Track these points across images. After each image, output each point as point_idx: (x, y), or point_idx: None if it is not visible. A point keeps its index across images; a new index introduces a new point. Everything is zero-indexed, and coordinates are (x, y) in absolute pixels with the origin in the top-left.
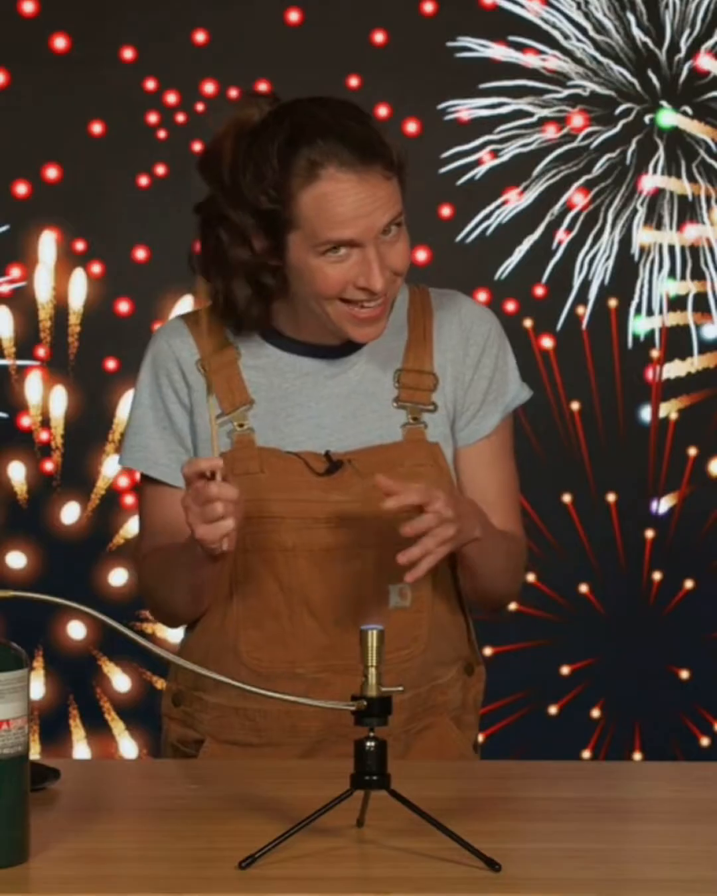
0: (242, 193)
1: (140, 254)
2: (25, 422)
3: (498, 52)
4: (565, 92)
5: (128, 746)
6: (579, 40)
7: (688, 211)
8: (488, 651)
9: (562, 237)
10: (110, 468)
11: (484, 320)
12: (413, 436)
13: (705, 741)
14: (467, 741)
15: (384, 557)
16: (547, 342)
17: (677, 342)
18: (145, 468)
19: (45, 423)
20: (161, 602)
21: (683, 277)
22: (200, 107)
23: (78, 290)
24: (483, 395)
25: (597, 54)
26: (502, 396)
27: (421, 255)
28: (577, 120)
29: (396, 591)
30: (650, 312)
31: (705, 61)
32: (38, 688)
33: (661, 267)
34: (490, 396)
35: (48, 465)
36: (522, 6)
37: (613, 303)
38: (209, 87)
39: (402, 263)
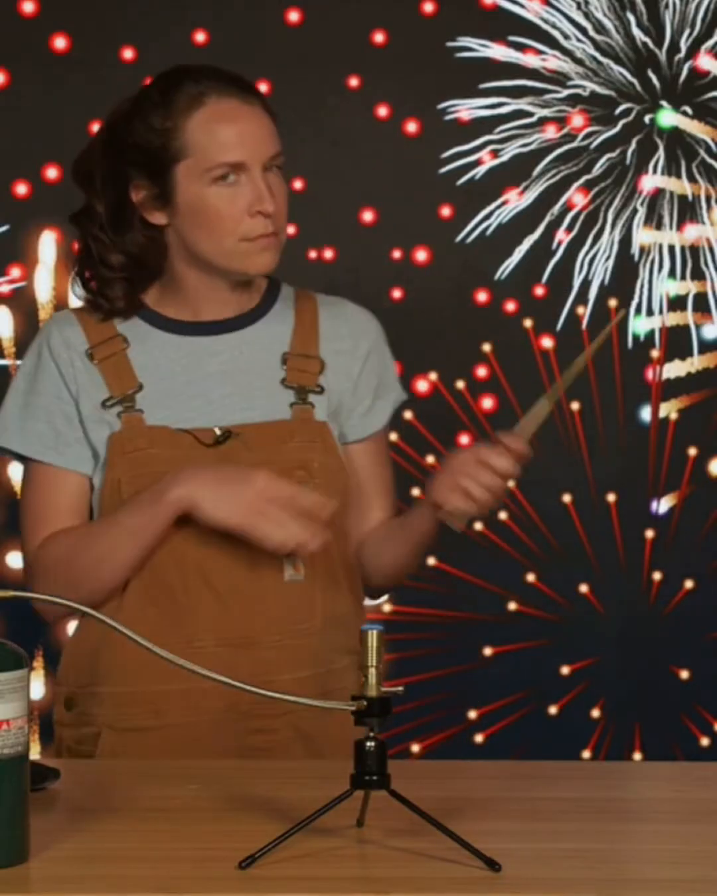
0: (124, 148)
1: None
2: None
3: (498, 52)
4: (565, 92)
5: None
6: (579, 40)
7: (688, 211)
8: (488, 651)
9: (562, 237)
10: None
11: (370, 320)
12: (301, 414)
13: (705, 741)
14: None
15: None
16: (547, 342)
17: (677, 342)
18: (39, 455)
19: None
20: (79, 577)
21: (683, 277)
22: None
23: (78, 290)
24: (375, 391)
25: (597, 54)
26: (389, 393)
27: (421, 255)
28: (577, 120)
29: (289, 564)
30: (650, 312)
31: (705, 61)
32: (38, 688)
33: (661, 267)
34: (380, 392)
35: None
36: (522, 6)
37: (613, 303)
38: None
39: (284, 203)
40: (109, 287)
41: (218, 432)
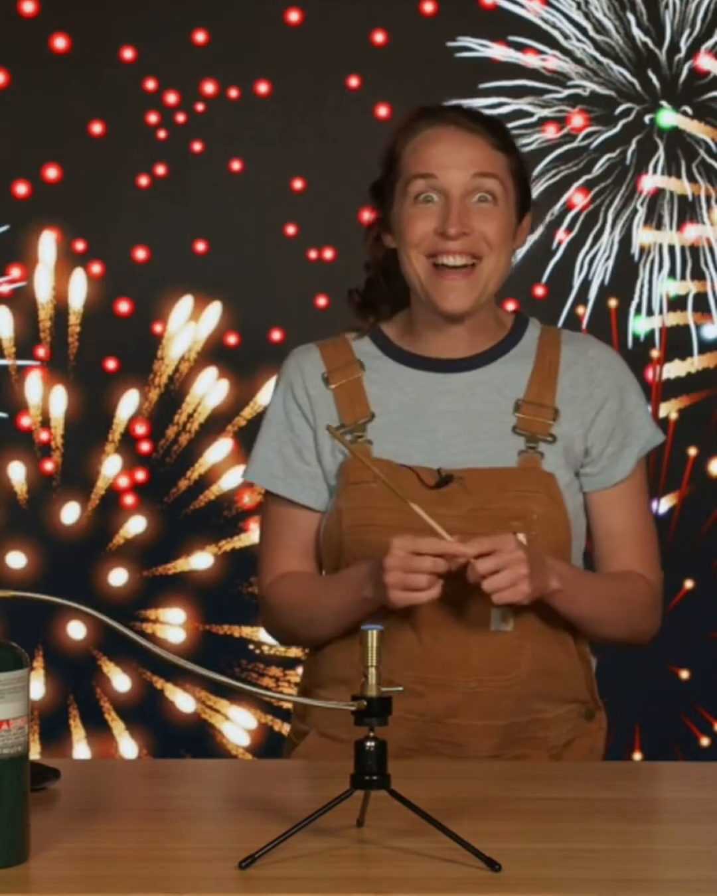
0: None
1: (140, 254)
2: (25, 422)
3: (498, 52)
4: (565, 92)
5: (128, 746)
6: (579, 40)
7: (688, 211)
8: None
9: (562, 237)
10: (110, 468)
11: (612, 363)
12: (529, 463)
13: (705, 741)
14: None
15: None
16: None
17: (677, 342)
18: (263, 483)
19: (45, 423)
20: (297, 625)
21: (683, 277)
22: (200, 107)
23: (78, 290)
24: (609, 437)
25: (597, 54)
26: (634, 440)
27: None
28: (577, 120)
29: (498, 614)
30: (650, 312)
31: (705, 61)
32: (38, 688)
33: (661, 267)
34: (621, 439)
35: (48, 465)
36: (522, 6)
37: (613, 303)
38: (209, 87)
39: (492, 232)
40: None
41: (440, 474)
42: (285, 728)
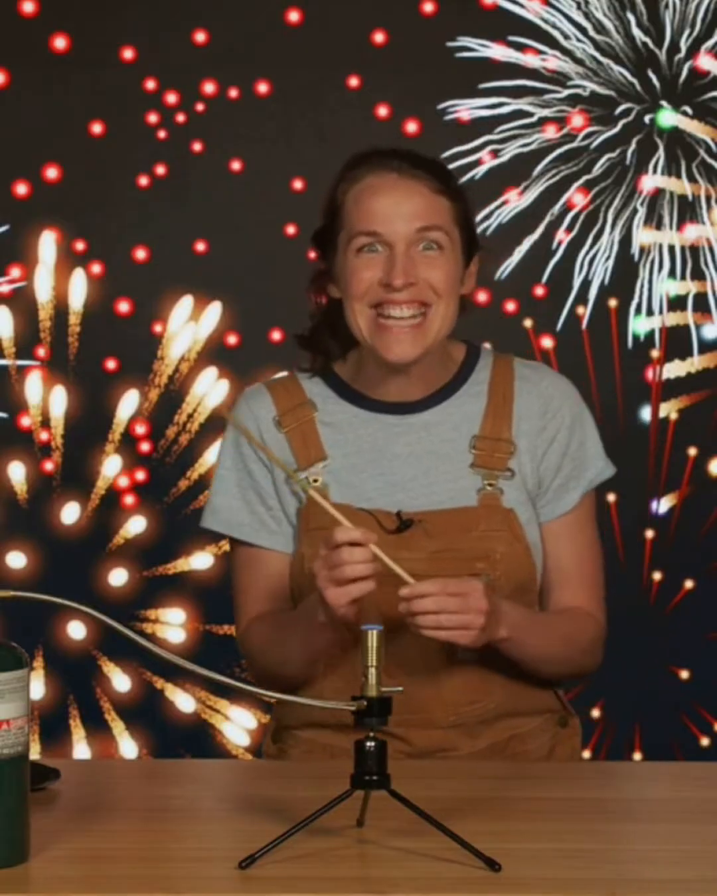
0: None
1: (140, 254)
2: (25, 422)
3: (498, 52)
4: (565, 92)
5: (128, 746)
6: (579, 40)
7: (688, 211)
8: None
9: (562, 237)
10: (110, 468)
11: (567, 394)
12: (488, 500)
13: (705, 741)
14: None
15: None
16: (547, 342)
17: (677, 342)
18: (228, 530)
19: (45, 423)
20: (272, 667)
21: (683, 277)
22: (200, 107)
23: (78, 290)
24: (556, 470)
25: (597, 54)
26: (582, 473)
27: None
28: (577, 120)
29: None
30: (650, 312)
31: (705, 61)
32: (38, 688)
33: (661, 267)
34: (568, 471)
35: (48, 465)
36: (522, 6)
37: (613, 303)
38: (209, 87)
39: (439, 281)
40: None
41: (399, 520)
42: None
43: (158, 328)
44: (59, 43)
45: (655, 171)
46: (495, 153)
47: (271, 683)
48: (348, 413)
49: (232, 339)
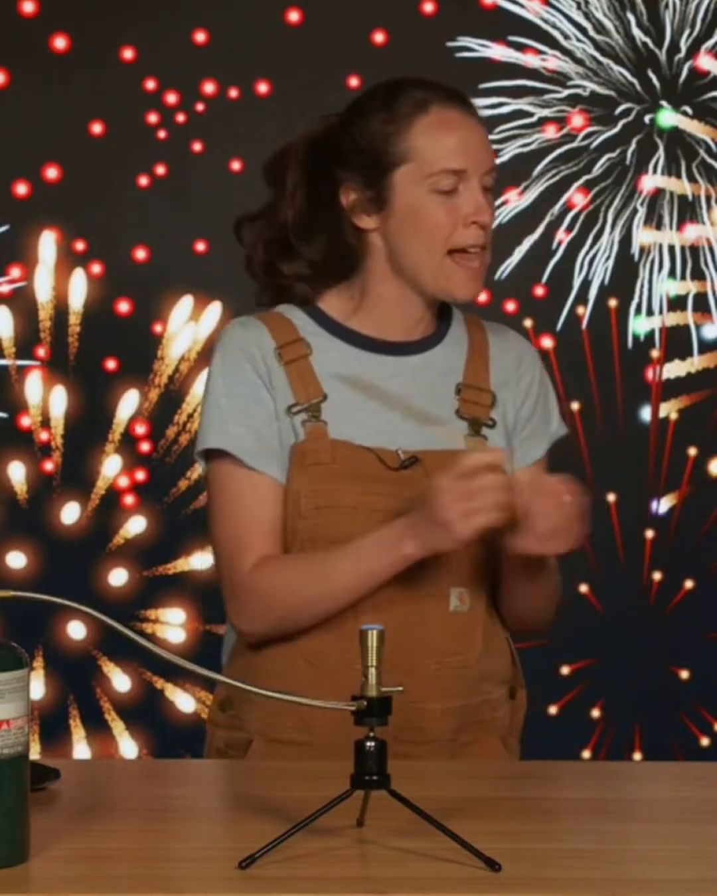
0: (338, 151)
1: (140, 254)
2: (25, 422)
3: (498, 52)
4: (565, 92)
5: (128, 746)
6: (579, 40)
7: (688, 211)
8: None
9: (562, 237)
10: (110, 468)
11: (532, 352)
12: (476, 447)
13: (705, 741)
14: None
15: (449, 559)
16: (547, 342)
17: (677, 342)
18: (243, 457)
19: (45, 423)
20: (288, 612)
21: (683, 277)
22: (200, 107)
23: (78, 290)
24: (527, 421)
25: (597, 54)
26: (548, 426)
27: None
28: (577, 120)
29: (456, 594)
30: (650, 312)
31: (705, 61)
32: (38, 688)
33: (661, 267)
34: (536, 423)
35: (48, 465)
36: (522, 6)
37: (613, 303)
38: (209, 87)
39: (492, 220)
40: (280, 295)
41: (402, 456)
42: None
43: (158, 328)
44: (59, 43)
45: (655, 171)
46: (495, 153)
47: (275, 627)
48: (341, 351)
49: None
